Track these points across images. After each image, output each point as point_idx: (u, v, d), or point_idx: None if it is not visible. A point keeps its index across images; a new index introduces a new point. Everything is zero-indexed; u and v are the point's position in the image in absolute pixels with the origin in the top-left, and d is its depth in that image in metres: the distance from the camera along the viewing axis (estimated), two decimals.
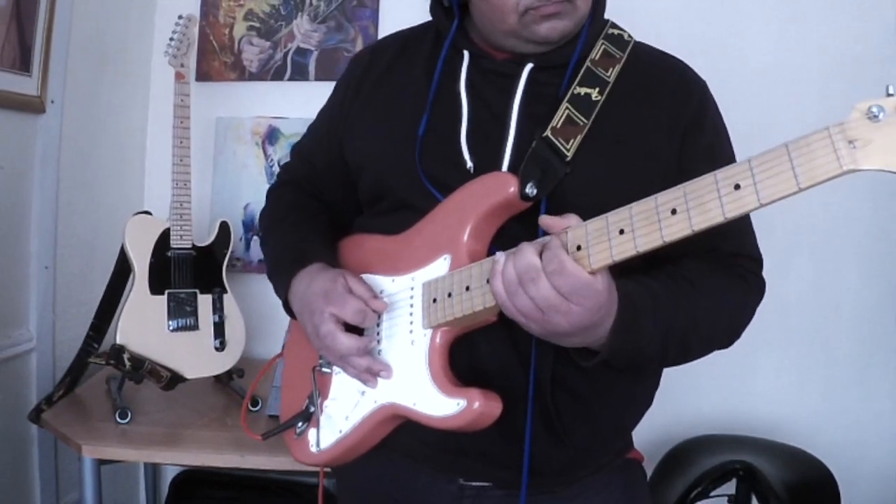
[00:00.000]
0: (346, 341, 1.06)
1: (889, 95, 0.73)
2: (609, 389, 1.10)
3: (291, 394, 1.28)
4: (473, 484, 1.13)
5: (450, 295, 1.02)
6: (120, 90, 2.40)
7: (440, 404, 1.02)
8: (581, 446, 1.10)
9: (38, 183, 2.03)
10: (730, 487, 2.01)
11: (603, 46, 1.13)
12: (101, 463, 1.73)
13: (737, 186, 0.80)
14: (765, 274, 1.15)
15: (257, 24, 2.48)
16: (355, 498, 1.28)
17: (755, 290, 1.12)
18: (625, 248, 0.86)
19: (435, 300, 1.04)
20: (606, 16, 1.19)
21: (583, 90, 1.08)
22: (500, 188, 1.03)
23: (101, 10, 2.27)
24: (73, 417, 1.83)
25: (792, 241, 2.28)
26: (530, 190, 1.01)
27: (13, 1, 1.87)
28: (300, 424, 1.20)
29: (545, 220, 0.93)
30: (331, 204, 1.33)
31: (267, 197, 1.39)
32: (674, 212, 0.83)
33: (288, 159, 1.43)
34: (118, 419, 1.77)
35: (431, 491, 1.15)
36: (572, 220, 0.92)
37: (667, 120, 1.10)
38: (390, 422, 1.11)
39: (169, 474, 2.43)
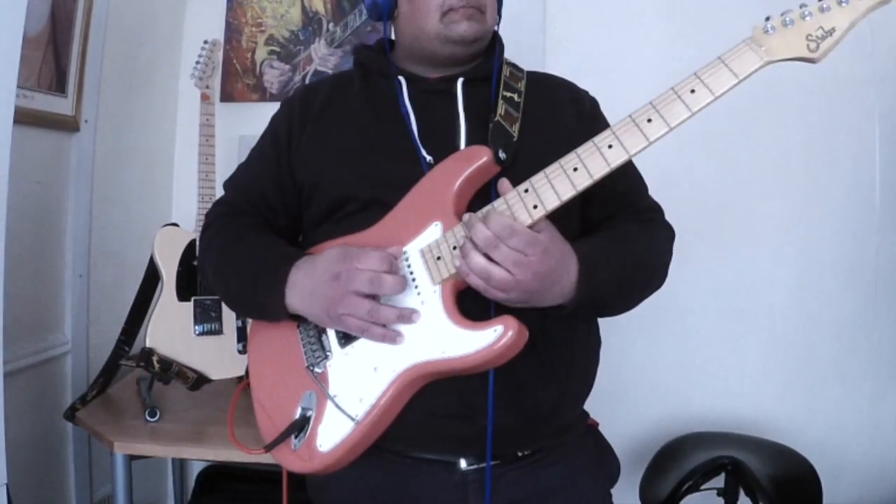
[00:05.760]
0: (391, 278, 1.04)
1: (767, 19, 0.98)
2: (569, 353, 1.17)
3: (275, 409, 1.17)
4: (475, 467, 1.12)
5: (455, 248, 1.05)
6: (149, 110, 2.41)
7: (472, 340, 1.01)
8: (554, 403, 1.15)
9: (72, 197, 2.03)
10: (719, 481, 2.00)
11: (509, 69, 1.27)
12: (131, 458, 1.71)
13: (692, 91, 0.98)
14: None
15: (277, 49, 2.48)
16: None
17: (667, 231, 1.25)
18: (573, 185, 1.01)
19: (439, 258, 1.06)
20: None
21: (507, 94, 1.23)
22: (477, 156, 1.10)
23: (132, 35, 2.27)
24: (105, 416, 1.82)
25: (777, 253, 2.28)
26: (502, 154, 1.12)
27: (50, 27, 1.88)
28: (296, 435, 1.11)
29: (504, 184, 1.05)
30: (276, 230, 1.26)
31: (202, 235, 1.30)
32: (650, 120, 0.99)
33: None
34: (148, 417, 1.76)
35: (434, 481, 1.13)
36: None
37: (570, 111, 1.26)
38: (412, 386, 1.07)
39: (195, 469, 2.42)
